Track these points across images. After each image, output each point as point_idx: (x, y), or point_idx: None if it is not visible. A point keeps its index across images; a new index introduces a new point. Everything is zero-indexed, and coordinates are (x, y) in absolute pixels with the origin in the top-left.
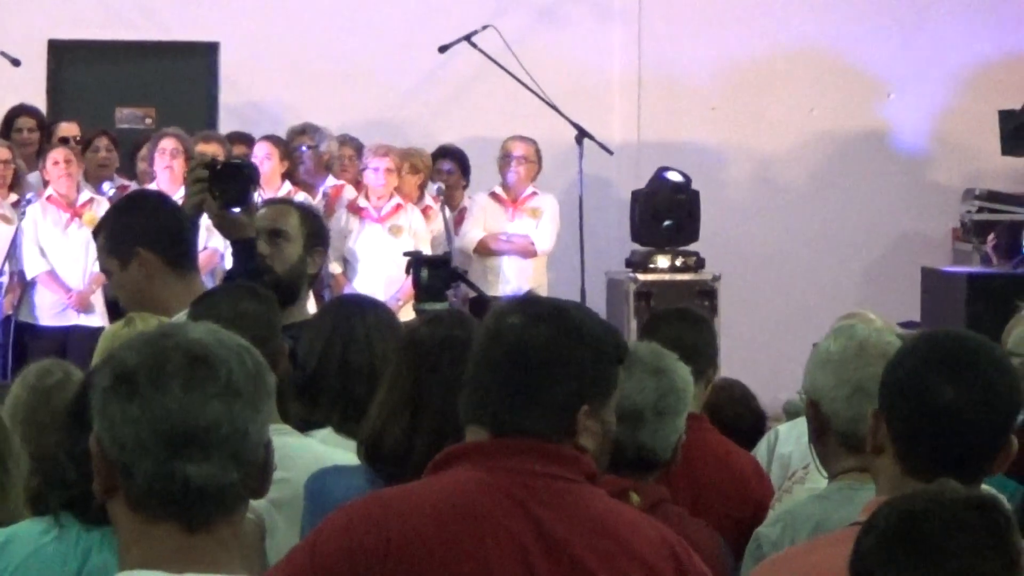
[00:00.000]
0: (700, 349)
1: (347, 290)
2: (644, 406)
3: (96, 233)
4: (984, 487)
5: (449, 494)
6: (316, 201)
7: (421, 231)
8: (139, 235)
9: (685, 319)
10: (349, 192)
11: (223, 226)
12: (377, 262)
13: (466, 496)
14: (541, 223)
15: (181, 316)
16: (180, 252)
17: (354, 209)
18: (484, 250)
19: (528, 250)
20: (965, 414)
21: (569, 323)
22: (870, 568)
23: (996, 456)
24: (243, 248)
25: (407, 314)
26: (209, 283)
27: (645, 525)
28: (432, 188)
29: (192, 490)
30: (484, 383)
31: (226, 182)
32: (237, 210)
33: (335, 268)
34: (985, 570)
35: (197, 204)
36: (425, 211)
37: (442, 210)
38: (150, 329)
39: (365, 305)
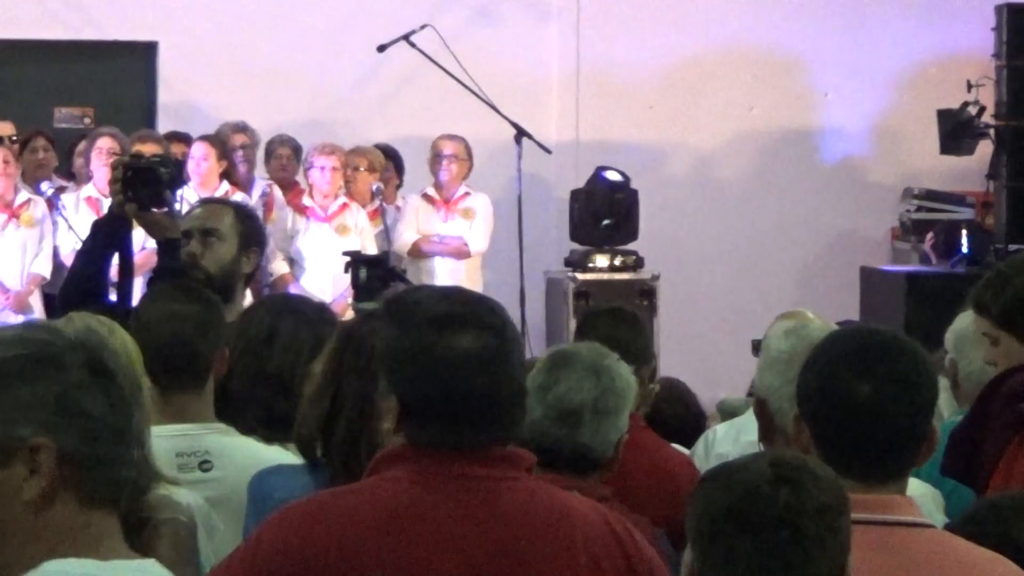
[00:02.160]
0: (635, 347)
1: (293, 289)
2: (583, 405)
3: None
4: (915, 483)
5: (390, 498)
6: (253, 201)
7: (367, 230)
8: None
9: (619, 317)
10: (277, 193)
11: (145, 227)
12: (324, 261)
13: (407, 500)
14: (474, 224)
15: None
16: None
17: (300, 208)
18: (417, 253)
19: (462, 251)
20: (884, 409)
21: (502, 321)
22: (697, 554)
23: (920, 448)
24: (166, 248)
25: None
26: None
27: (591, 514)
28: (372, 187)
29: (146, 473)
30: (448, 409)
31: (139, 184)
32: (164, 210)
33: (282, 267)
34: (770, 569)
35: (120, 204)
36: (376, 212)
37: (382, 210)
38: (89, 329)
39: (278, 305)
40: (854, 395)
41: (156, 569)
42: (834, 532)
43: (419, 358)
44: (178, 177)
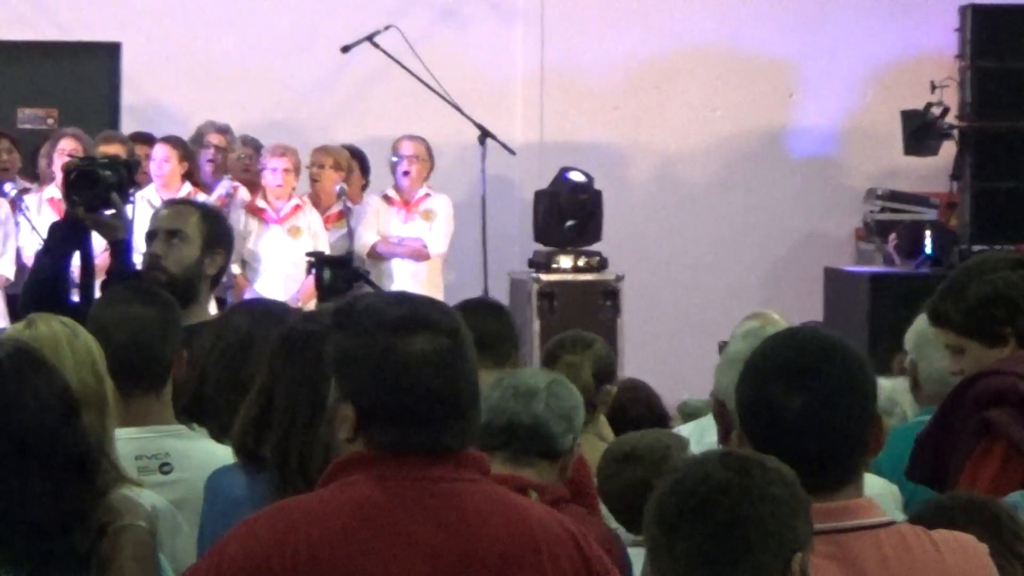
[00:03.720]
0: (502, 337)
1: (248, 291)
2: (538, 385)
3: None
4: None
5: (354, 504)
6: (213, 201)
7: (320, 232)
8: None
9: (485, 309)
10: (243, 194)
11: (95, 228)
12: (277, 263)
13: (371, 505)
14: (435, 225)
15: None
16: None
17: (253, 210)
18: (375, 255)
19: (421, 253)
20: (816, 424)
21: (456, 323)
22: (647, 537)
23: (864, 450)
24: (116, 249)
25: None
26: None
27: (548, 518)
28: (336, 188)
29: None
30: (407, 413)
31: (83, 187)
32: (112, 211)
33: (234, 269)
34: (713, 555)
35: (69, 207)
36: (341, 213)
37: (346, 210)
38: (52, 330)
39: (257, 311)
40: (784, 412)
41: None
42: (776, 522)
43: (375, 363)
44: (127, 179)
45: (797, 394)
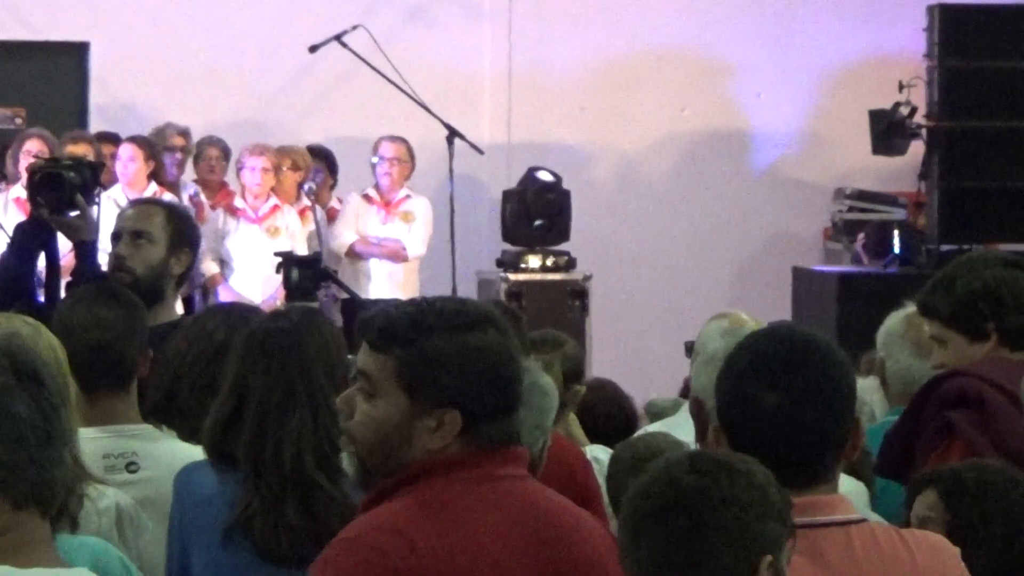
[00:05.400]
0: None
1: (223, 289)
2: None
3: None
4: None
5: (453, 510)
6: (184, 202)
7: (298, 232)
8: None
9: None
10: (202, 197)
11: (59, 229)
12: (254, 263)
13: (470, 507)
14: (414, 228)
15: None
16: None
17: (231, 209)
18: (354, 254)
19: (399, 255)
20: (793, 420)
21: (500, 317)
22: (618, 536)
23: (840, 450)
24: (82, 251)
25: None
26: None
27: (583, 511)
28: (303, 188)
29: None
30: (507, 404)
31: (47, 189)
32: (76, 213)
33: (212, 268)
34: (675, 559)
35: (33, 208)
36: (303, 212)
37: (313, 210)
38: (16, 329)
39: (233, 317)
40: (762, 407)
41: None
42: (741, 526)
43: (475, 361)
44: (91, 180)
45: (774, 391)
